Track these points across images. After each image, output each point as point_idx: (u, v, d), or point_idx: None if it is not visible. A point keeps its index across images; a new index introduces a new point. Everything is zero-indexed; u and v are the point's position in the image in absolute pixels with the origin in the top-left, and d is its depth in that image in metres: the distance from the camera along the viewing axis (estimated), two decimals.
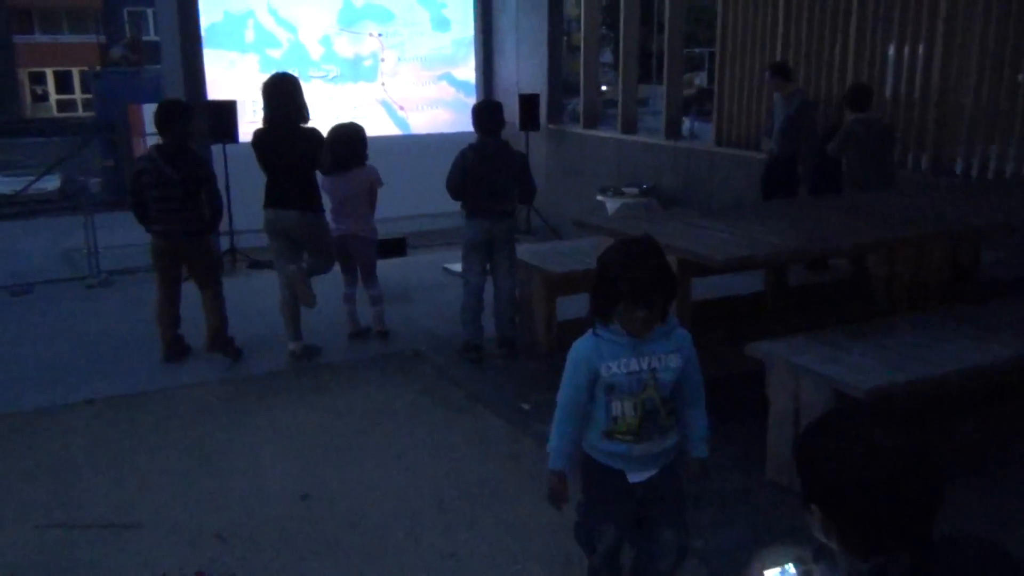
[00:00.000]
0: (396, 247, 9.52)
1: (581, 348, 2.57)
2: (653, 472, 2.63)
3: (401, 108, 11.50)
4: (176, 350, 5.59)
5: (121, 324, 6.47)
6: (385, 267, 6.43)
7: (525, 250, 5.80)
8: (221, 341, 5.63)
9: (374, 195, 5.86)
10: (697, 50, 19.71)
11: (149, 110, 13.76)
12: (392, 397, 4.94)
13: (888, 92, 7.19)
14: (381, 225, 9.25)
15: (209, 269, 5.62)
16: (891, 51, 7.18)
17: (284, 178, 5.28)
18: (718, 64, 8.99)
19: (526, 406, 4.73)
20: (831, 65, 7.66)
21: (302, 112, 5.35)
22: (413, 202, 10.16)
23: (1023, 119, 6.20)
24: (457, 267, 6.79)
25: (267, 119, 5.31)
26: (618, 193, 9.46)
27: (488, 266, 5.44)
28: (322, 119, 11.22)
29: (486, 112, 5.40)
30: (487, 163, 5.26)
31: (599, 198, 9.57)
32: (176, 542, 3.51)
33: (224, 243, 9.58)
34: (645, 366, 2.51)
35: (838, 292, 5.81)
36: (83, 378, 5.29)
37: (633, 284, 2.39)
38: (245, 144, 8.38)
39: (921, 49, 6.82)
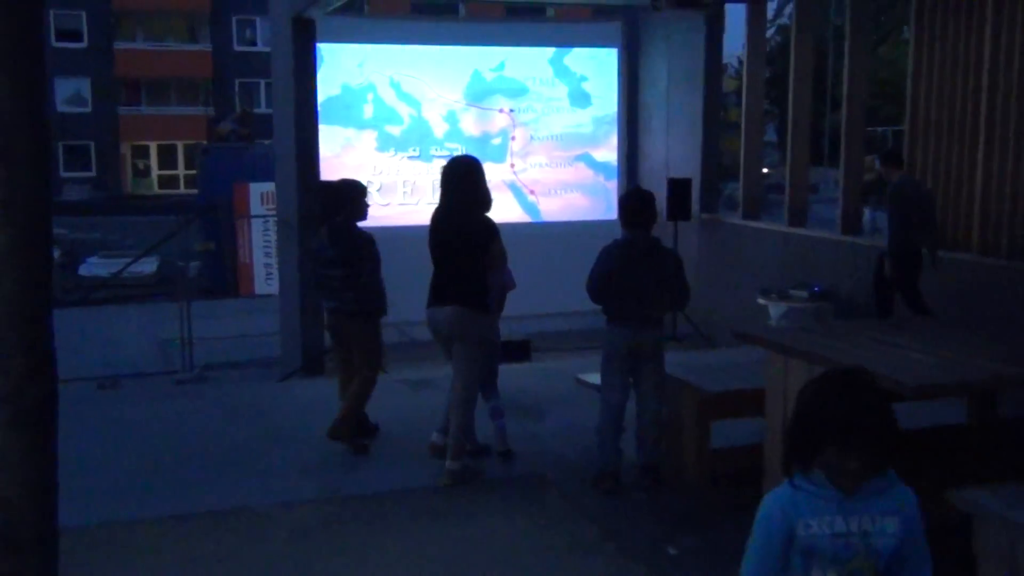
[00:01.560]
0: (519, 350, 9.60)
1: (774, 501, 2.42)
2: None
3: (532, 192, 11.76)
4: (339, 430, 6.02)
5: (213, 428, 6.71)
6: (507, 375, 6.47)
7: (673, 361, 5.74)
8: (344, 429, 6.02)
9: (503, 298, 5.93)
10: (880, 129, 19.49)
11: (257, 189, 14.65)
12: (515, 531, 4.90)
13: None
14: (503, 324, 9.38)
15: (363, 353, 6.12)
16: None
17: (447, 271, 5.61)
18: (907, 143, 8.84)
19: (672, 550, 4.61)
20: None
21: (484, 199, 5.63)
22: (541, 299, 10.26)
23: None
24: (594, 378, 6.78)
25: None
26: (784, 296, 9.31)
27: (631, 380, 5.41)
28: (428, 205, 11.63)
29: (636, 203, 5.46)
30: (635, 263, 5.29)
31: (760, 301, 9.45)
32: None
33: (328, 339, 9.92)
34: (855, 528, 2.33)
35: None
36: (171, 490, 5.49)
37: (845, 427, 2.25)
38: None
39: None
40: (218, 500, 5.30)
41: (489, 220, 5.62)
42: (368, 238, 6.09)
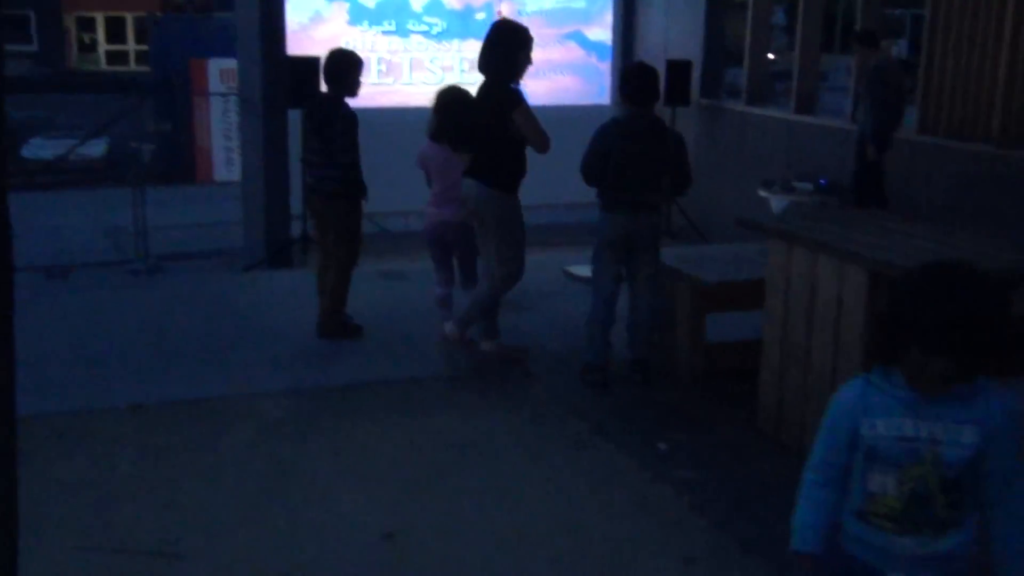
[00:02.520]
0: None
1: (844, 395, 2.44)
2: None
3: None
4: (329, 327, 6.23)
5: (172, 319, 6.76)
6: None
7: (668, 253, 5.81)
8: (332, 326, 6.22)
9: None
10: (897, 11, 19.32)
11: (216, 65, 14.43)
12: (495, 424, 5.03)
13: None
14: None
15: (340, 239, 6.23)
16: None
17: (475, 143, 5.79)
18: (928, 28, 8.79)
19: (663, 446, 4.75)
20: None
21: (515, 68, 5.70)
22: (527, 189, 10.26)
23: None
24: (582, 271, 6.87)
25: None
26: (787, 188, 9.35)
27: (624, 272, 5.48)
28: (423, 82, 11.53)
29: (639, 78, 5.46)
30: (635, 143, 5.30)
31: (762, 193, 9.48)
32: None
33: (296, 229, 9.92)
34: (925, 434, 2.30)
35: None
36: (129, 379, 5.57)
37: (933, 325, 2.20)
38: None
39: None
40: (182, 391, 5.39)
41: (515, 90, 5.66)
42: (353, 116, 6.14)
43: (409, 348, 6.16)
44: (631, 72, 5.60)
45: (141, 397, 5.28)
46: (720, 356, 5.58)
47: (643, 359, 5.53)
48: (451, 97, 6.19)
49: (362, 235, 6.41)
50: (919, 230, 4.68)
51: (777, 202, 9.27)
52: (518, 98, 5.52)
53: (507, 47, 5.64)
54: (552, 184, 9.63)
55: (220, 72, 13.09)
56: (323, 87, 6.50)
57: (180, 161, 13.50)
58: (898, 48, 20.02)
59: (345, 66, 6.25)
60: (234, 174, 13.12)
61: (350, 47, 11.08)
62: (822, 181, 9.30)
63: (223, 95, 13.01)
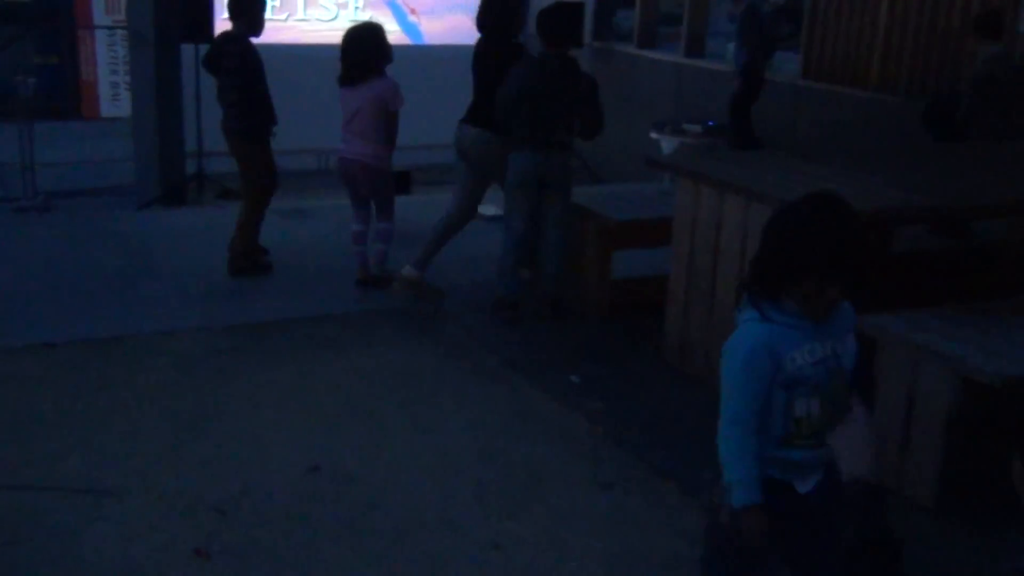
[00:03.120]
0: (399, 183, 9.59)
1: (753, 342, 2.43)
2: (820, 476, 2.58)
3: (412, 12, 11.52)
4: (238, 264, 6.20)
5: (73, 257, 6.57)
6: (407, 207, 6.56)
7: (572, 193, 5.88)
8: (241, 263, 6.20)
9: (387, 115, 5.90)
10: None
11: None
12: (413, 360, 5.07)
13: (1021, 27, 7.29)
14: None
15: (247, 175, 6.27)
16: None
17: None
18: None
19: (575, 378, 4.86)
20: None
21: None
22: (423, 128, 10.20)
23: None
24: (489, 210, 6.90)
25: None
26: (677, 131, 9.51)
27: (535, 211, 5.54)
28: (317, 19, 11.31)
29: (557, 17, 5.47)
30: (548, 83, 5.33)
31: (653, 135, 9.63)
32: (166, 514, 3.66)
33: (190, 166, 9.69)
34: (829, 352, 2.46)
35: (952, 262, 5.90)
36: (37, 317, 5.41)
37: (833, 256, 2.32)
38: None
39: None
40: (93, 330, 5.26)
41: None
42: (257, 53, 6.11)
43: (321, 284, 6.12)
44: (549, 11, 5.58)
45: (50, 336, 5.13)
46: (626, 292, 5.70)
47: (553, 295, 5.62)
48: (347, 36, 6.09)
49: (275, 173, 6.34)
50: (818, 170, 4.85)
51: (667, 143, 9.43)
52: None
53: (506, 3, 5.77)
54: (443, 121, 9.63)
55: (106, 2, 12.55)
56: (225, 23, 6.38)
57: (64, 95, 12.95)
58: None
59: (249, 1, 6.15)
60: (121, 110, 12.68)
61: None
62: (710, 123, 9.49)
63: (109, 28, 12.49)
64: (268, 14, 10.81)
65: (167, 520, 3.61)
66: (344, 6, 11.22)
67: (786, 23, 10.80)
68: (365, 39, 5.96)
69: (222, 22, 10.03)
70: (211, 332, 5.29)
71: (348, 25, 6.68)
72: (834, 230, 2.35)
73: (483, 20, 5.88)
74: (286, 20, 11.04)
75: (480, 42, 5.96)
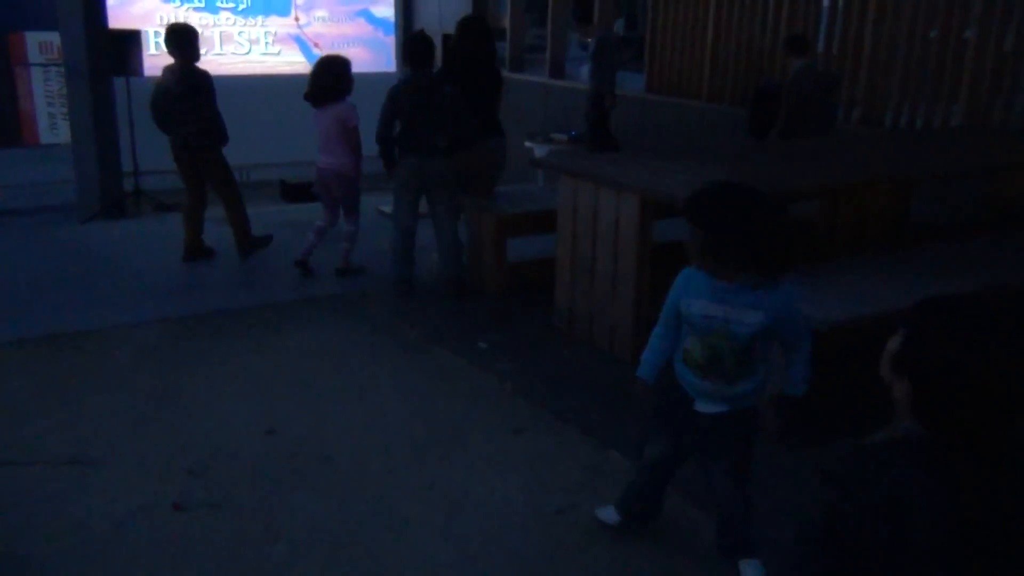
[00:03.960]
0: (305, 191, 9.46)
1: (681, 275, 2.78)
2: (723, 409, 2.76)
3: (316, 45, 11.36)
4: (196, 251, 6.32)
5: (27, 264, 6.31)
6: (310, 212, 6.51)
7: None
8: (247, 242, 6.30)
9: (346, 131, 5.82)
10: None
11: (34, 39, 13.18)
12: (347, 337, 5.05)
13: (820, 46, 7.59)
14: (292, 169, 9.20)
15: (218, 178, 6.23)
16: (825, 2, 7.59)
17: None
18: (651, 9, 9.24)
19: (483, 344, 4.91)
20: (764, 16, 7.99)
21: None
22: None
23: (951, 76, 6.65)
24: (390, 208, 6.88)
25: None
26: (547, 139, 9.63)
27: (421, 208, 5.59)
28: (232, 53, 11.02)
29: (416, 44, 5.52)
30: (418, 97, 5.37)
31: (527, 144, 9.70)
32: (144, 478, 3.57)
33: (128, 184, 9.36)
34: (720, 314, 2.63)
35: None
36: (4, 317, 5.18)
37: (735, 242, 2.50)
38: (151, 78, 8.25)
39: (856, 3, 7.20)
40: (58, 325, 5.07)
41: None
42: (207, 74, 6.04)
43: (262, 278, 6.04)
44: (410, 39, 5.72)
45: (19, 333, 4.94)
46: (518, 273, 5.77)
47: (457, 277, 5.66)
48: (318, 63, 6.01)
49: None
50: (670, 165, 5.00)
51: (540, 149, 9.51)
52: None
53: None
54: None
55: (39, 44, 12.01)
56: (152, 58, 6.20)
57: (4, 125, 12.36)
58: (618, 25, 20.74)
59: (190, 36, 6.04)
60: (58, 137, 12.19)
61: (162, 22, 10.51)
62: (573, 132, 9.63)
63: (43, 65, 11.97)
64: None
65: (145, 483, 3.53)
66: (256, 42, 10.99)
67: (627, 50, 11.08)
68: (331, 68, 5.90)
69: (149, 57, 9.77)
70: (168, 322, 5.16)
71: (261, 58, 6.66)
72: (741, 220, 2.51)
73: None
74: (205, 54, 10.72)
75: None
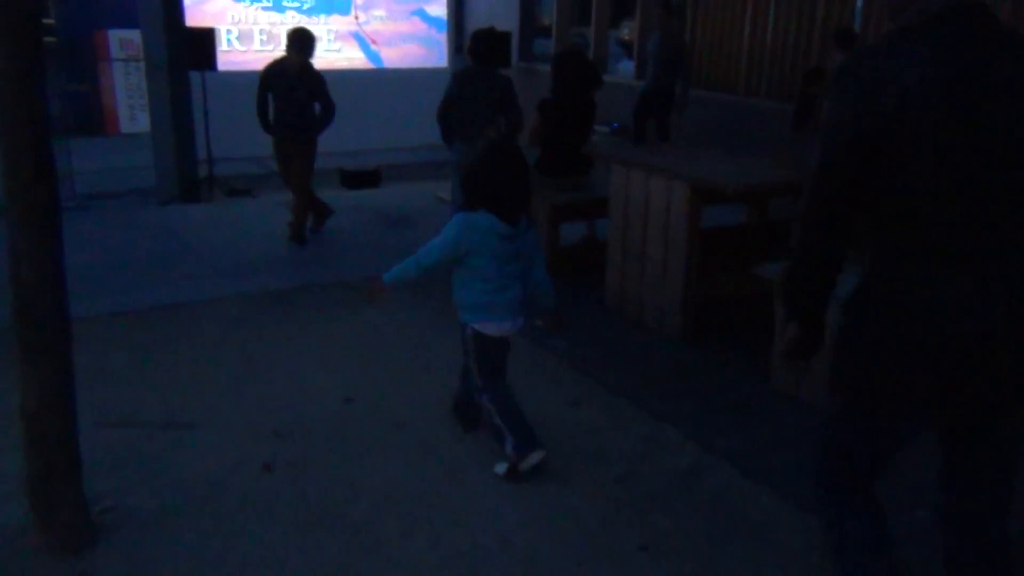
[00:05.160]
0: (370, 178, 9.53)
1: (479, 221, 3.29)
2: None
3: (374, 42, 11.38)
4: (300, 235, 6.46)
5: (117, 243, 6.42)
6: (382, 197, 6.53)
7: None
8: (301, 232, 6.48)
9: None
10: None
11: (116, 36, 13.33)
12: (415, 314, 5.07)
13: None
14: (354, 157, 9.22)
15: (301, 168, 6.39)
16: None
17: None
18: (691, 10, 9.14)
19: (539, 323, 4.89)
20: (800, 13, 7.88)
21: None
22: (385, 135, 10.15)
23: None
24: (449, 194, 6.91)
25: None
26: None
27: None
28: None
29: (477, 39, 5.52)
30: (471, 86, 5.39)
31: None
32: (235, 439, 3.63)
33: (202, 170, 9.48)
34: (511, 247, 3.33)
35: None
36: (100, 293, 5.28)
37: (506, 187, 3.24)
38: (223, 72, 8.36)
39: None
40: (152, 299, 5.17)
41: None
42: (320, 72, 6.35)
43: (334, 256, 6.09)
44: (472, 35, 5.73)
45: (114, 306, 5.03)
46: (567, 255, 5.78)
47: None
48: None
49: None
50: (717, 155, 4.97)
51: None
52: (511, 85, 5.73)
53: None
54: (401, 129, 9.59)
55: (120, 41, 12.15)
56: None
57: (90, 116, 12.54)
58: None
59: (312, 40, 6.32)
60: (137, 127, 12.34)
61: (234, 20, 10.59)
62: (615, 124, 9.60)
63: (124, 60, 12.12)
64: (257, 46, 10.67)
65: (236, 444, 3.59)
66: (319, 39, 11.02)
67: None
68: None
69: (221, 53, 9.86)
70: (248, 298, 5.23)
71: (323, 54, 6.88)
72: (507, 170, 3.27)
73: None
74: (273, 51, 10.80)
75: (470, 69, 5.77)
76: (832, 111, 1.77)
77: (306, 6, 10.93)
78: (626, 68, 10.99)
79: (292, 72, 6.19)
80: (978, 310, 1.70)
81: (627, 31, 10.72)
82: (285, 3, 10.79)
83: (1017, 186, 1.70)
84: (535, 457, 3.30)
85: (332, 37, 11.13)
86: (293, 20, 10.86)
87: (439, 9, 11.67)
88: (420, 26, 11.56)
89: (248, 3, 10.69)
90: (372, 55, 11.41)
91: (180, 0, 9.59)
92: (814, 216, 1.86)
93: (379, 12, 11.31)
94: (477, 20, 11.72)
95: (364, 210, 7.28)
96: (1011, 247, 1.72)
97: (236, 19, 10.63)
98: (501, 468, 3.39)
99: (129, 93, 12.53)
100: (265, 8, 10.78)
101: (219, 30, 10.21)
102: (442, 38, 11.74)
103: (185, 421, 3.76)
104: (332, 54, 11.18)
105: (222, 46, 10.21)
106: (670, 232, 4.59)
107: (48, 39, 13.38)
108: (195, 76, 9.19)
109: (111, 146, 12.02)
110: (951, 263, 1.72)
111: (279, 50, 11.18)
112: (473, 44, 5.60)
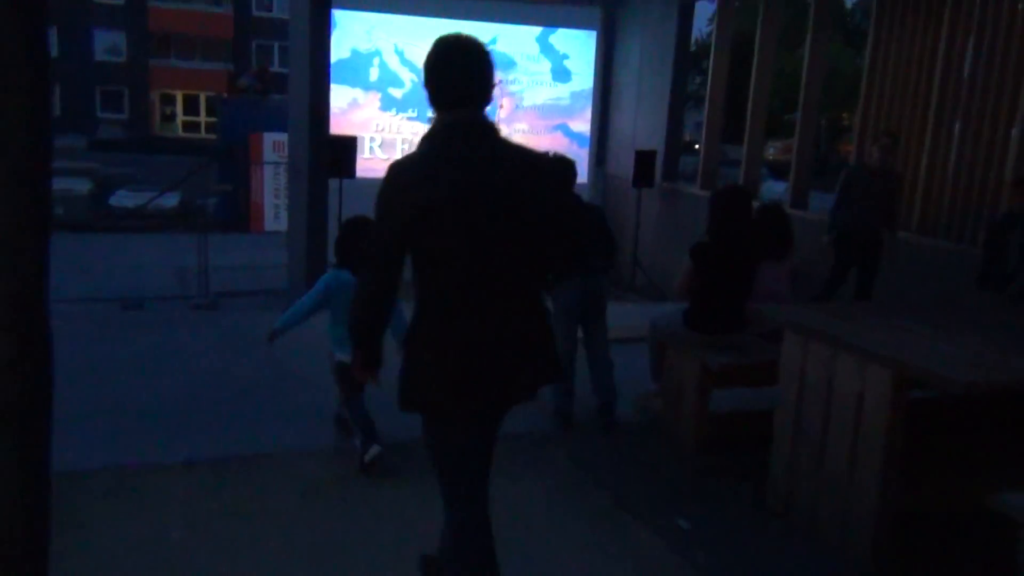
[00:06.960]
0: None
1: (342, 278, 4.12)
2: None
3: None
4: None
5: (225, 360, 5.71)
6: None
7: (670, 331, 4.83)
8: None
9: None
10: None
11: (269, 139, 13.36)
12: (526, 491, 3.97)
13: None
14: None
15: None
16: (1014, 131, 6.22)
17: None
18: (857, 133, 7.95)
19: (684, 524, 3.73)
20: (991, 148, 6.59)
21: None
22: None
23: None
24: None
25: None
26: None
27: (581, 333, 4.74)
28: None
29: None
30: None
31: None
32: None
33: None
34: None
35: None
36: (182, 428, 4.50)
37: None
38: (361, 179, 7.83)
39: None
40: (230, 445, 4.30)
41: None
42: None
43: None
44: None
45: (191, 453, 4.19)
46: (724, 426, 4.60)
47: (608, 404, 4.77)
48: None
49: None
50: (910, 323, 3.76)
51: None
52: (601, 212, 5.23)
53: None
54: None
55: (273, 143, 12.07)
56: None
57: (238, 214, 12.42)
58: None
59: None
60: (280, 225, 12.15)
61: (379, 129, 10.17)
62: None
63: (275, 163, 11.99)
64: (399, 155, 10.18)
65: None
66: None
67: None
68: None
69: (362, 160, 9.41)
70: (342, 454, 4.29)
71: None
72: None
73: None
74: None
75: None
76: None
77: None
78: (770, 189, 9.88)
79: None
80: (478, 339, 2.38)
81: (772, 150, 9.63)
82: (429, 114, 10.31)
83: (503, 261, 2.38)
84: (375, 450, 3.93)
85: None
86: None
87: (582, 124, 10.95)
88: (562, 141, 10.84)
89: (394, 113, 10.28)
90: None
91: (326, 109, 9.27)
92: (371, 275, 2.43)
93: (521, 126, 10.68)
94: (622, 136, 10.91)
95: None
96: (499, 299, 2.38)
97: (380, 127, 10.23)
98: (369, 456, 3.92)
99: (276, 193, 12.39)
100: (410, 118, 10.34)
101: (363, 138, 9.81)
102: (584, 154, 10.97)
103: None
104: None
105: (364, 153, 9.78)
106: (863, 426, 3.39)
107: (209, 137, 13.59)
108: (334, 183, 8.78)
109: (253, 243, 11.83)
110: (464, 309, 2.36)
111: None
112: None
